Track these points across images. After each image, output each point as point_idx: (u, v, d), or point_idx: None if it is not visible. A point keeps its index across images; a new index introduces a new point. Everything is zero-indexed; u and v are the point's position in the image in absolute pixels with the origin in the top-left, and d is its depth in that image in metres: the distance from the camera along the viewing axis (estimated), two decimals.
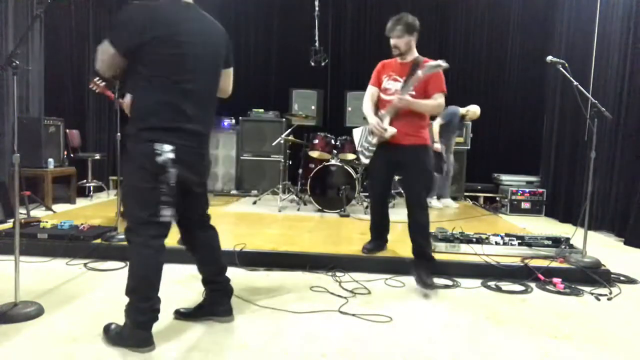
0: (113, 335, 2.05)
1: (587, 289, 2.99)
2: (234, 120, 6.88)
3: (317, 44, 6.37)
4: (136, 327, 2.00)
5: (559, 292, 2.94)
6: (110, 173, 6.86)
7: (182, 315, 2.34)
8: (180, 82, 1.99)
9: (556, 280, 3.03)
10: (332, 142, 5.50)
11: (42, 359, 1.93)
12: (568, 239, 3.46)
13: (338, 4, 7.36)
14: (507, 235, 3.59)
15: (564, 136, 5.77)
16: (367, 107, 3.21)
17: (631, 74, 4.70)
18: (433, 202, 5.82)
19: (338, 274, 3.13)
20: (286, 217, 4.92)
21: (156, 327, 2.06)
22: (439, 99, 3.01)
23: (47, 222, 3.64)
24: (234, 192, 6.76)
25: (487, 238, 3.50)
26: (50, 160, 5.27)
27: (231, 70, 2.32)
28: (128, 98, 2.14)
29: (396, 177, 3.54)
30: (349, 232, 4.20)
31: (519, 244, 3.44)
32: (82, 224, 3.64)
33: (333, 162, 5.26)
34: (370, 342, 2.17)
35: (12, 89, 2.39)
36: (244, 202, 6.01)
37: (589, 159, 3.44)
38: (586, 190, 3.44)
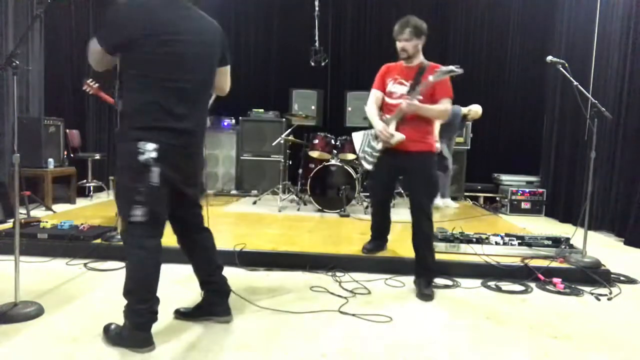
0: (113, 336, 2.05)
1: (587, 289, 2.99)
2: (234, 120, 6.88)
3: (317, 44, 6.36)
4: (135, 329, 2.00)
5: (559, 292, 2.94)
6: (110, 173, 6.84)
7: (182, 315, 2.34)
8: (170, 81, 1.97)
9: (556, 280, 3.03)
10: (332, 142, 5.50)
11: (42, 359, 1.93)
12: (568, 239, 3.46)
13: (338, 4, 7.36)
14: (507, 235, 3.59)
15: (564, 136, 5.77)
16: (372, 111, 3.09)
17: (631, 74, 4.70)
18: (436, 200, 5.81)
19: (338, 274, 3.13)
20: (286, 217, 4.92)
21: (156, 327, 2.06)
22: (446, 105, 2.93)
23: (47, 222, 3.64)
24: (234, 192, 6.76)
25: (487, 238, 3.50)
26: (50, 160, 5.27)
27: (228, 68, 2.30)
28: None
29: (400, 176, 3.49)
30: (349, 232, 4.20)
31: (519, 244, 3.44)
32: (82, 224, 3.64)
33: (333, 162, 5.26)
34: (370, 342, 2.17)
35: (12, 89, 2.39)
36: (244, 202, 6.01)
37: (589, 159, 3.44)
38: (586, 190, 3.44)
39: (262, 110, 6.81)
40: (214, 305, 2.32)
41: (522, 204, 6.13)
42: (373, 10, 7.36)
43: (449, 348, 2.14)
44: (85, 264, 3.17)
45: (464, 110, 5.83)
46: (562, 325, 2.46)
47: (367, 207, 5.34)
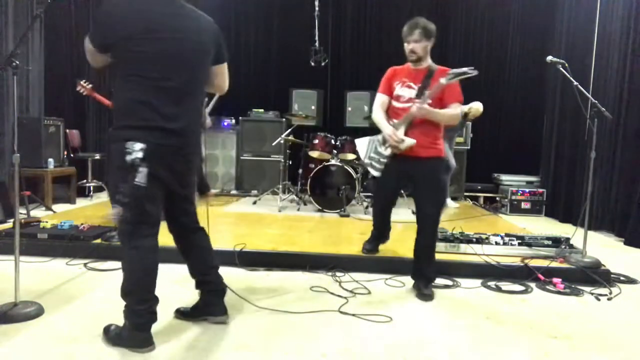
0: (113, 336, 2.05)
1: (587, 289, 2.99)
2: (234, 120, 6.88)
3: (317, 44, 6.37)
4: (135, 329, 2.00)
5: (559, 292, 2.94)
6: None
7: (182, 314, 2.34)
8: (158, 80, 1.94)
9: (556, 280, 3.03)
10: (332, 142, 5.49)
11: (42, 359, 1.93)
12: (568, 239, 3.46)
13: (338, 4, 7.35)
14: (507, 235, 3.59)
15: (564, 136, 5.77)
16: (380, 116, 2.97)
17: (631, 74, 4.70)
18: None
19: (338, 274, 3.13)
20: (286, 217, 4.92)
21: (156, 327, 2.06)
22: (457, 109, 2.85)
23: (47, 222, 3.64)
24: (234, 192, 6.76)
25: (487, 238, 3.50)
26: (50, 160, 5.27)
27: (224, 66, 2.25)
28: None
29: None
30: (349, 232, 4.20)
31: (519, 244, 3.44)
32: (82, 224, 3.64)
33: (333, 162, 5.26)
34: (370, 342, 2.17)
35: (12, 89, 2.39)
36: (244, 202, 6.01)
37: (589, 159, 3.44)
38: (586, 190, 3.44)
39: (262, 110, 6.80)
40: (209, 305, 2.31)
41: (522, 204, 6.13)
42: (373, 10, 7.36)
43: (449, 348, 2.14)
44: (85, 264, 3.17)
45: (465, 108, 5.82)
46: (562, 325, 2.46)
47: (367, 207, 5.34)
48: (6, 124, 4.72)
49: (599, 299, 2.85)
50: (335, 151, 5.41)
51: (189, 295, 2.60)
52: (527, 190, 6.17)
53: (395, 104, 2.96)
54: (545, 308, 2.69)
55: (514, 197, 6.13)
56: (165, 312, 2.27)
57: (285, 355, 2.02)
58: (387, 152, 2.91)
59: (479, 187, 6.89)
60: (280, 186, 5.65)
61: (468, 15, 7.26)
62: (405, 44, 2.87)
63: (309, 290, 2.84)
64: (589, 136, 5.01)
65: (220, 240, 3.51)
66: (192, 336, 2.17)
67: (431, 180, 2.85)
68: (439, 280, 3.00)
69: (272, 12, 7.50)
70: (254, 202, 5.75)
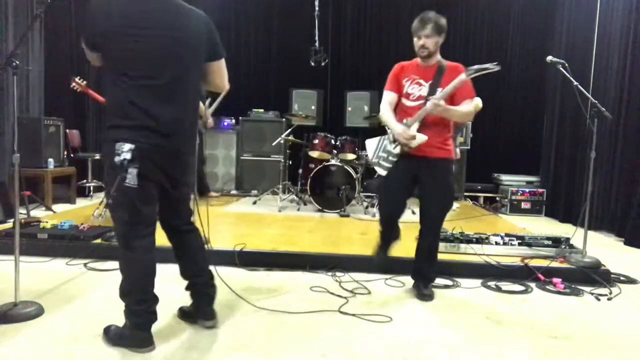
0: (113, 336, 2.05)
1: (587, 289, 2.99)
2: (234, 120, 6.87)
3: (317, 44, 6.37)
4: (135, 328, 2.00)
5: (559, 292, 2.94)
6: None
7: (183, 314, 2.34)
8: (141, 78, 1.90)
9: (556, 280, 3.03)
10: (332, 142, 5.49)
11: (42, 359, 1.93)
12: (568, 239, 3.46)
13: (338, 4, 7.35)
14: (507, 235, 3.59)
15: (564, 136, 5.77)
16: (388, 114, 2.80)
17: (631, 74, 4.70)
18: None
19: (338, 274, 3.13)
20: (286, 217, 4.92)
21: (156, 327, 2.06)
22: (470, 106, 2.71)
23: (47, 222, 3.64)
24: (234, 192, 6.76)
25: (487, 238, 3.50)
26: (50, 160, 5.27)
27: (220, 62, 2.17)
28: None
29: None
30: (349, 232, 4.20)
31: (519, 244, 3.44)
32: (82, 224, 3.64)
33: (333, 162, 5.26)
34: (370, 342, 2.17)
35: (12, 89, 2.39)
36: (244, 202, 6.01)
37: (589, 159, 3.44)
38: (586, 190, 3.44)
39: (262, 110, 6.80)
40: (197, 309, 2.27)
41: (522, 204, 6.13)
42: (373, 10, 7.35)
43: (449, 348, 2.14)
44: (85, 264, 3.17)
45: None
46: (562, 325, 2.46)
47: (367, 207, 5.34)
48: (6, 124, 4.72)
49: (599, 299, 2.85)
50: (335, 151, 5.41)
51: (189, 295, 2.61)
52: (527, 190, 6.17)
53: (405, 102, 2.80)
54: (545, 308, 2.69)
55: (514, 197, 6.14)
56: (165, 312, 2.27)
57: (285, 355, 2.02)
58: (397, 150, 2.77)
59: (479, 187, 6.89)
60: (280, 186, 5.65)
61: (468, 15, 7.26)
62: (416, 39, 2.71)
63: (309, 290, 2.84)
64: (589, 136, 5.00)
65: (220, 240, 3.51)
66: (192, 336, 2.17)
67: (440, 182, 2.75)
68: (439, 280, 3.00)
69: (272, 12, 7.50)
70: (254, 202, 5.75)
